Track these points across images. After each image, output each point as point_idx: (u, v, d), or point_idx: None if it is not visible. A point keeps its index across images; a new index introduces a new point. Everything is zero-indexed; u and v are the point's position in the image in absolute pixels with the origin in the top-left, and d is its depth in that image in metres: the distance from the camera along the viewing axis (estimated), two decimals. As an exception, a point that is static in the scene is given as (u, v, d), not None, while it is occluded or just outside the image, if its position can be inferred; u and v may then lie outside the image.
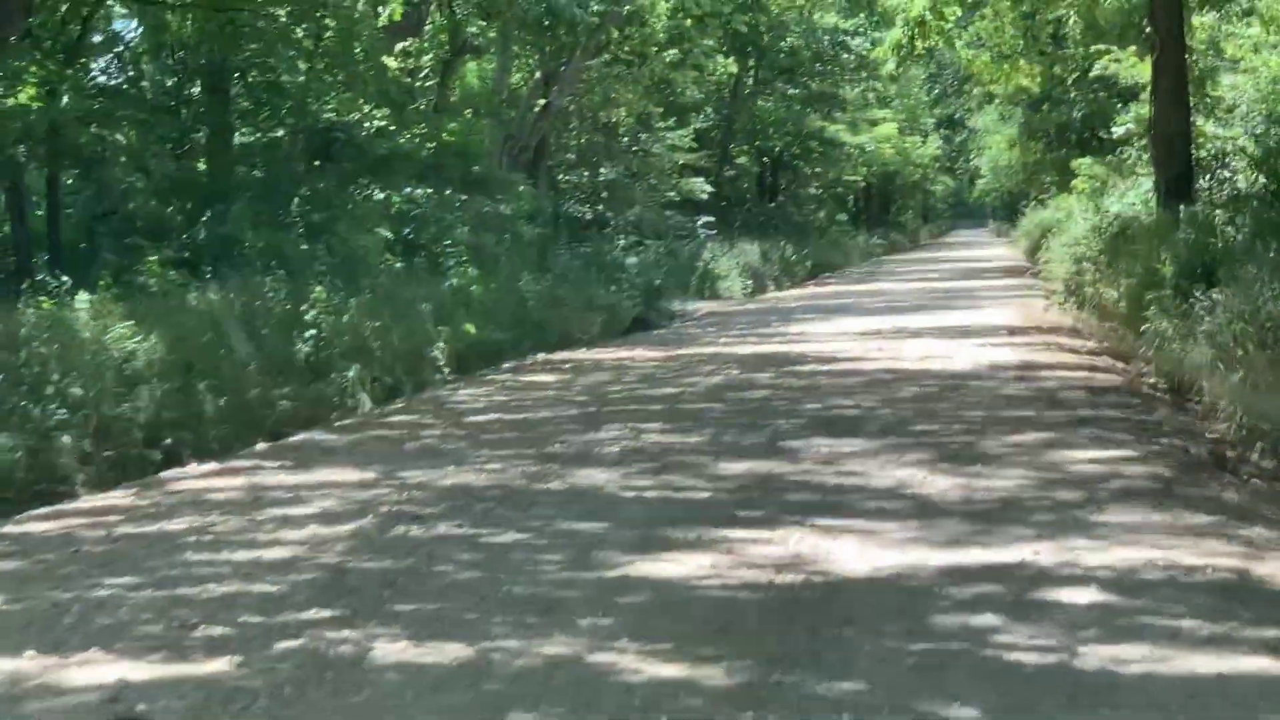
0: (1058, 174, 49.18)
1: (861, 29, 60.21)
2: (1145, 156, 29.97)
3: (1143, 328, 20.24)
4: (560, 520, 10.71)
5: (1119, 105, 41.30)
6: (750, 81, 57.92)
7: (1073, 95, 42.45)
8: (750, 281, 45.15)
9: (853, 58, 61.91)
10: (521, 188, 32.85)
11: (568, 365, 22.63)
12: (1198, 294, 16.99)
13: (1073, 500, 10.88)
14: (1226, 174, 26.53)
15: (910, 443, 13.71)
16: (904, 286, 42.41)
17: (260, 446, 15.84)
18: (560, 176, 42.88)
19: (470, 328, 24.55)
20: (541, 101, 36.86)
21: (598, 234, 39.19)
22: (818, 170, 66.82)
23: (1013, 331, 24.92)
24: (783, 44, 56.56)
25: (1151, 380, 19.05)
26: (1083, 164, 41.33)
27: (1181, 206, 23.93)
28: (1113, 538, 9.68)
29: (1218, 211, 21.40)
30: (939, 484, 11.63)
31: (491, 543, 10.16)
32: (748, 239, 49.51)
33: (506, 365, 23.35)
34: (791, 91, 60.16)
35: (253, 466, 14.16)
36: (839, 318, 30.03)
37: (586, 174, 44.05)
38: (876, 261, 67.79)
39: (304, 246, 23.43)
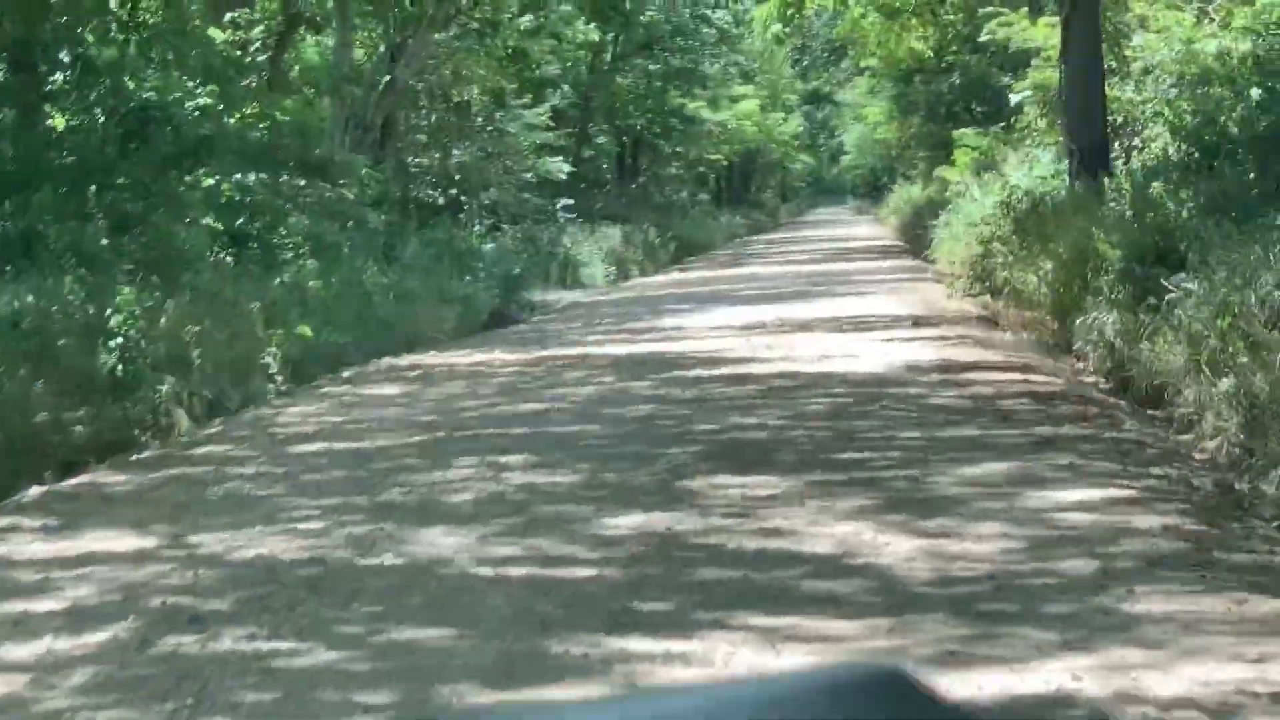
0: (933, 148, 46.66)
1: (723, 1, 57.47)
2: (1046, 125, 27.25)
3: (1078, 320, 17.51)
4: (392, 626, 7.61)
5: (1003, 74, 38.76)
6: (609, 57, 54.94)
7: (955, 60, 39.72)
8: (613, 268, 42.19)
9: (714, 32, 59.28)
10: (365, 171, 29.62)
11: (415, 373, 19.50)
12: (1163, 281, 14.18)
13: (1088, 576, 7.97)
14: (1137, 142, 23.85)
15: (840, 480, 10.76)
16: (777, 270, 39.49)
17: (32, 493, 12.58)
18: (410, 159, 39.61)
19: (306, 330, 21.39)
20: (387, 78, 33.61)
21: (451, 220, 35.98)
22: (678, 149, 64.07)
23: (917, 323, 22.11)
24: (642, 17, 53.56)
25: (1093, 380, 16.30)
26: (965, 135, 38.67)
27: (1104, 179, 21.36)
28: (1171, 643, 6.78)
29: (1154, 184, 18.67)
30: (897, 548, 8.68)
31: (291, 668, 7.07)
32: (609, 222, 46.60)
33: (347, 373, 20.22)
34: (652, 67, 57.24)
35: (5, 528, 10.93)
36: (715, 308, 27.10)
37: (438, 156, 40.81)
38: (741, 242, 64.96)
39: (106, 241, 20.17)
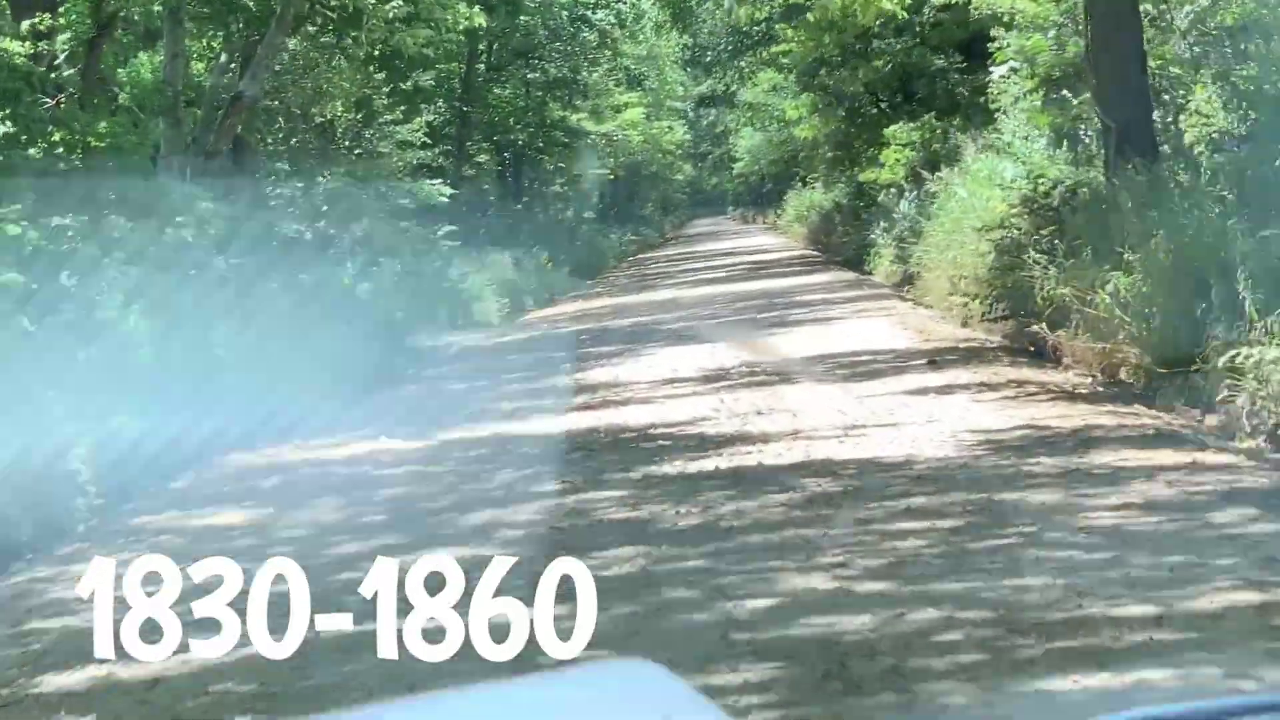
0: (841, 147, 41.16)
1: (604, 1, 51.81)
2: (1039, 102, 21.71)
3: (1212, 357, 12.04)
4: None
5: (937, 56, 33.41)
6: (483, 67, 49.17)
7: (883, 45, 34.14)
8: (507, 299, 36.38)
9: (594, 35, 53.59)
10: (206, 205, 23.68)
11: (270, 480, 13.67)
12: None
13: None
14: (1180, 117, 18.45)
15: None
16: (698, 293, 33.61)
17: None
18: (270, 189, 33.57)
19: (128, 420, 15.53)
20: (232, 94, 27.66)
21: (320, 258, 29.97)
22: (561, 165, 58.41)
23: (934, 363, 16.52)
24: (519, 21, 47.77)
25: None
26: (896, 131, 33.17)
27: (1166, 160, 16.03)
28: None
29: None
30: None
31: None
32: (496, 248, 40.87)
33: (180, 481, 14.40)
34: (530, 76, 51.52)
35: None
36: (649, 349, 21.42)
37: (301, 185, 34.78)
38: (637, 261, 59.13)
39: None
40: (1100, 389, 13.98)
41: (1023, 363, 16.01)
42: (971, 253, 19.62)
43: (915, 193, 31.07)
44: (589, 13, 52.17)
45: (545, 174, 58.10)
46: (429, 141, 38.43)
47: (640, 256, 62.89)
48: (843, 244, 41.93)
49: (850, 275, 34.23)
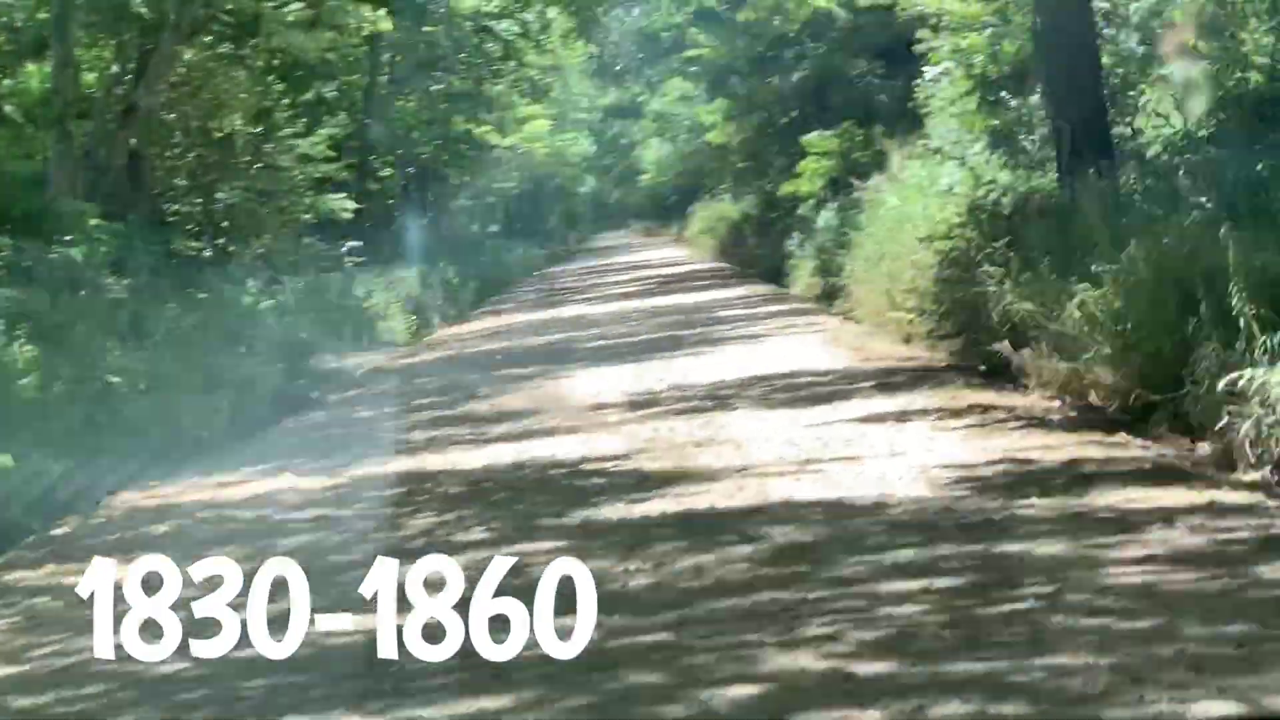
0: (751, 157, 40.03)
1: (508, 9, 50.34)
2: (976, 106, 20.51)
3: (1201, 379, 10.88)
4: None
5: (859, 59, 32.32)
6: (385, 79, 47.67)
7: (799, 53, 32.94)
8: (415, 316, 34.95)
9: (498, 46, 52.18)
10: (95, 222, 22.16)
11: (161, 527, 12.20)
12: None
13: None
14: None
15: None
16: (610, 309, 32.26)
17: None
18: (167, 205, 31.97)
19: (4, 459, 14.09)
20: (125, 106, 26.13)
21: (220, 277, 28.42)
22: (466, 179, 57.00)
23: (884, 386, 15.26)
24: (422, 31, 46.32)
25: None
26: (813, 141, 31.94)
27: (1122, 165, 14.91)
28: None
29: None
30: None
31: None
32: (402, 264, 39.46)
33: (61, 529, 12.96)
34: (434, 89, 50.06)
35: None
36: (568, 370, 20.11)
37: (200, 200, 33.18)
38: (543, 277, 57.66)
39: None
40: (1073, 414, 12.75)
41: (979, 384, 14.76)
42: (911, 265, 18.34)
43: (836, 203, 29.95)
44: (493, 23, 50.76)
45: (451, 188, 56.66)
46: (332, 155, 36.90)
47: (547, 270, 61.54)
48: (756, 256, 40.67)
49: (768, 289, 33.02)
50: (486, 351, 25.49)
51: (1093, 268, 13.27)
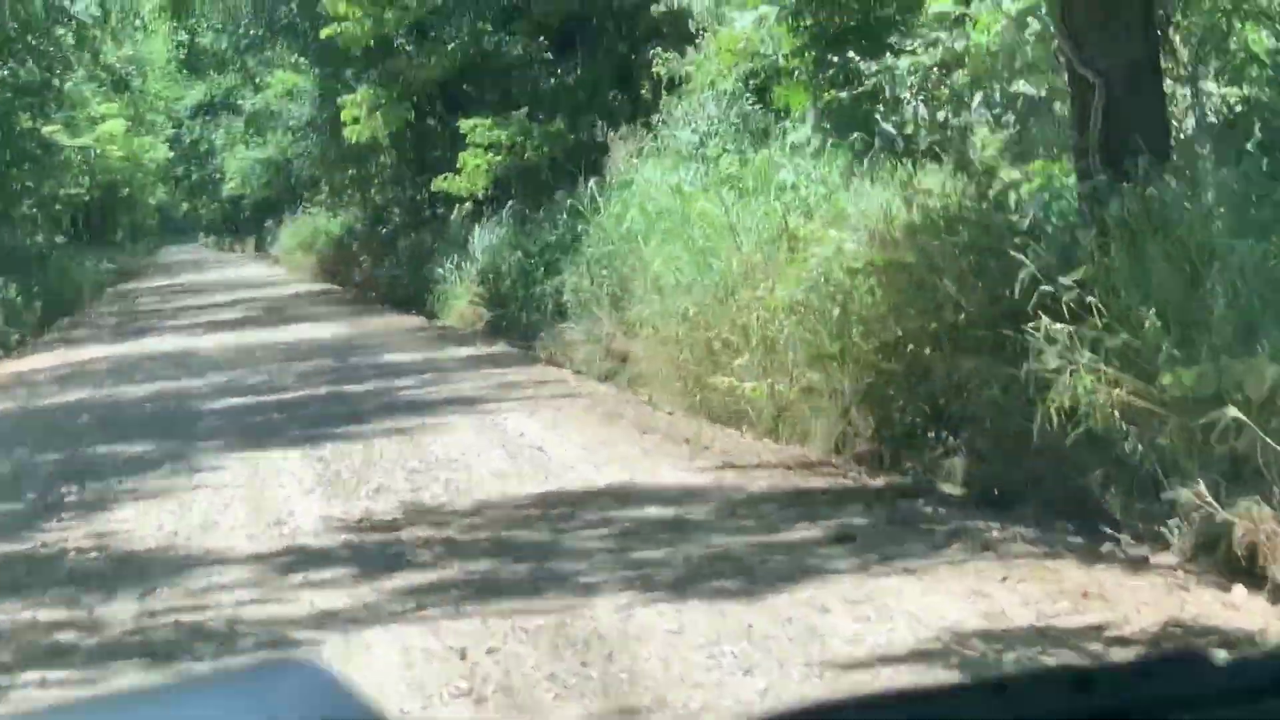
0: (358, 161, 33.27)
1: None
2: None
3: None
4: None
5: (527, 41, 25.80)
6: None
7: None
8: (-34, 344, 27.14)
9: (71, 33, 44.34)
10: None
11: None
12: None
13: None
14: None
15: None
16: (220, 343, 24.57)
17: None
18: None
19: None
20: None
21: None
22: (29, 185, 49.02)
23: (843, 539, 8.57)
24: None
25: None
26: (477, 127, 24.88)
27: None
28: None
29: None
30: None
31: None
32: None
33: None
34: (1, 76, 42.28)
35: None
36: (202, 455, 13.07)
37: None
38: (120, 295, 49.41)
39: None
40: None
41: (1042, 550, 8.08)
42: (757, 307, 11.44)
43: (507, 212, 23.57)
44: (68, 4, 42.95)
45: (13, 193, 48.70)
46: None
47: (122, 288, 53.40)
48: (374, 279, 33.63)
49: (414, 320, 26.22)
50: (65, 407, 17.97)
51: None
